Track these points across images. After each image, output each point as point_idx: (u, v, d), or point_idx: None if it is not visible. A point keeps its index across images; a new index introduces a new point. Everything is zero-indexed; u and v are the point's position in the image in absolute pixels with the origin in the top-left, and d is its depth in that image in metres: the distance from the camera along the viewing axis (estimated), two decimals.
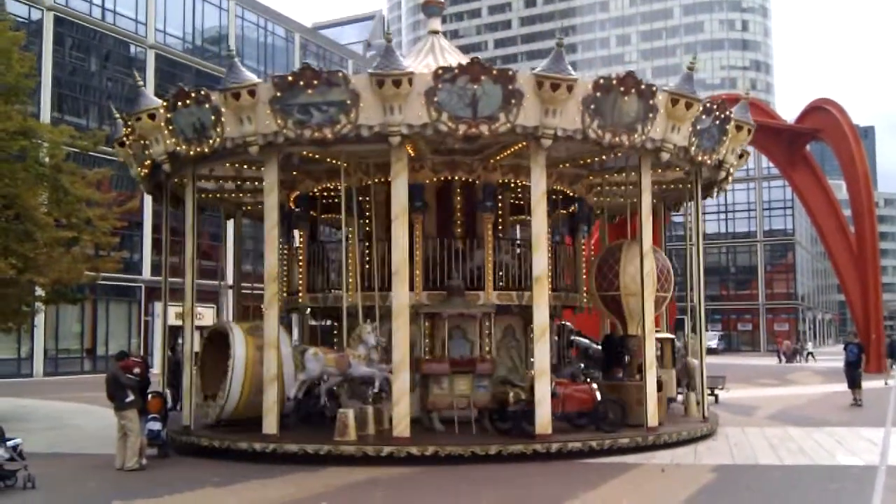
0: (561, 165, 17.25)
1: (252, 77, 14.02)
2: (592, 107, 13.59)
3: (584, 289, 18.44)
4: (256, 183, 17.90)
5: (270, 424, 13.76)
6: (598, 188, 20.08)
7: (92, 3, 43.33)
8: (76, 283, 22.32)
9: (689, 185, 17.61)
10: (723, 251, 78.17)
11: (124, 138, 16.73)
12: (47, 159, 21.40)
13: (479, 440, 13.77)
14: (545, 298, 14.11)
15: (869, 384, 26.42)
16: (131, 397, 13.35)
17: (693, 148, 15.08)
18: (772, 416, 20.11)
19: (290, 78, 13.36)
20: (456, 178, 17.06)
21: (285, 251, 18.76)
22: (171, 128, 14.78)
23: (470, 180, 17.04)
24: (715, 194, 19.99)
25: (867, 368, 30.78)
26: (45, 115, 37.99)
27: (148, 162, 16.00)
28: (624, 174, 17.85)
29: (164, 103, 14.87)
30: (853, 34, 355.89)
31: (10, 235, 19.53)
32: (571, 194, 18.56)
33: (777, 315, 77.46)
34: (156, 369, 20.54)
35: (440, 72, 13.21)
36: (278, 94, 13.30)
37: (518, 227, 22.12)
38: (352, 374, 14.91)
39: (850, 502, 10.60)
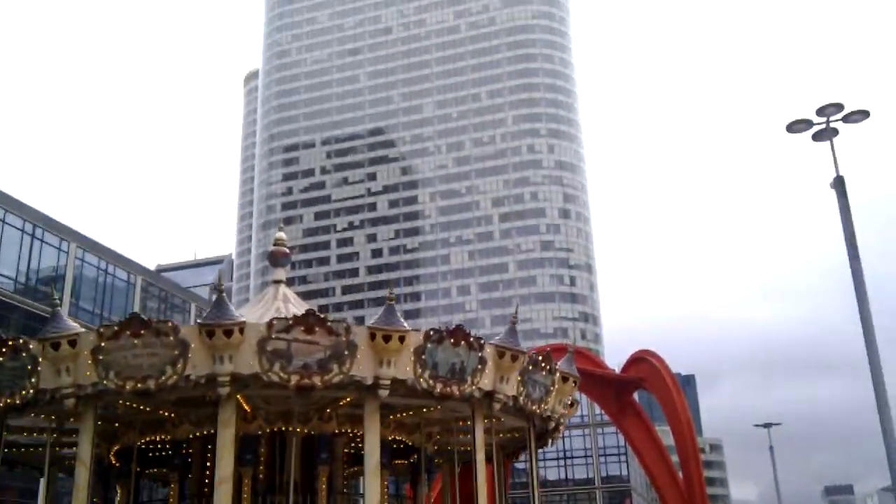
0: (399, 414, 17.39)
1: (74, 326, 13.72)
2: (424, 357, 14.12)
3: None
4: (74, 436, 16.78)
5: None
6: (439, 437, 20.21)
7: None
8: None
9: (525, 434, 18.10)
10: (563, 498, 78.43)
11: None
12: None
13: None
14: None
15: None
16: None
17: (522, 398, 15.71)
18: None
19: (115, 328, 13.15)
20: (290, 428, 16.69)
21: None
22: None
23: (306, 431, 16.76)
24: (549, 443, 20.62)
25: None
26: None
27: None
28: (461, 422, 18.18)
29: None
30: (676, 286, 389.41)
31: None
32: (411, 444, 18.55)
33: None
34: None
35: (274, 322, 13.44)
36: (102, 344, 12.99)
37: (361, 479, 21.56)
38: None
39: None
